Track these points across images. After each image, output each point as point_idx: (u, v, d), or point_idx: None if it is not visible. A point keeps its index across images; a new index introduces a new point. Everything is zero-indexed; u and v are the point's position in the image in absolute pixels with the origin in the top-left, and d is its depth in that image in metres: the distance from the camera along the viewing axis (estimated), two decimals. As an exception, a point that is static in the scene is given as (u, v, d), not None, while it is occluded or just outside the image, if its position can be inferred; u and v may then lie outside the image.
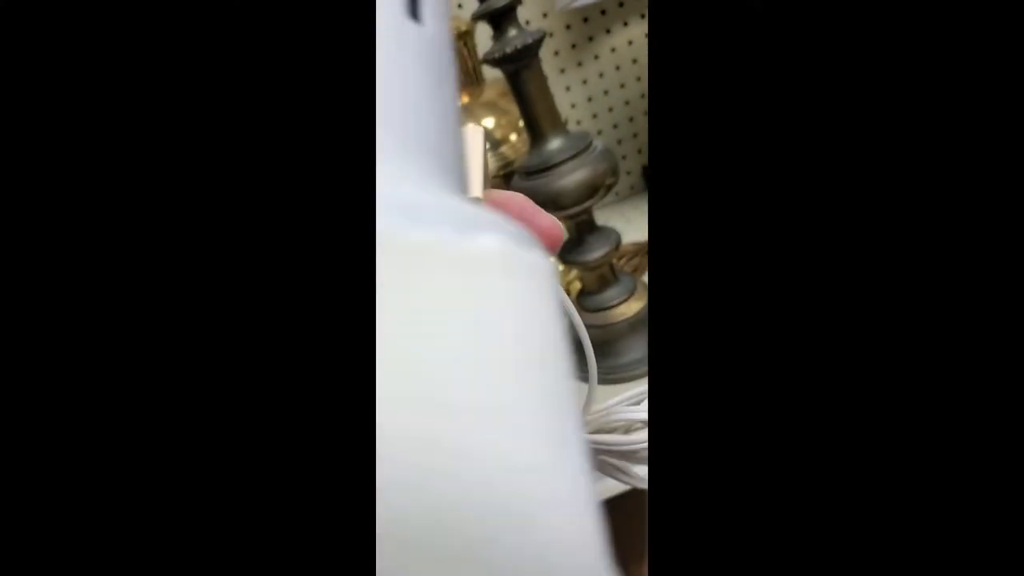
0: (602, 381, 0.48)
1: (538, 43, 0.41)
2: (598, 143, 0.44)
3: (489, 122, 0.54)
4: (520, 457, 0.09)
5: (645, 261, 0.62)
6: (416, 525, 0.08)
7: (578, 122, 0.78)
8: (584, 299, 0.50)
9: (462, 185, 0.13)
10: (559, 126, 0.44)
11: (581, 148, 0.43)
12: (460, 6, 0.70)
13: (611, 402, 0.30)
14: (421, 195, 0.11)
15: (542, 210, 0.21)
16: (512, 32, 0.40)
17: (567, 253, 0.48)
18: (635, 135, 0.79)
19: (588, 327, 0.50)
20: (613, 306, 0.48)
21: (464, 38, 0.54)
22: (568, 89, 0.76)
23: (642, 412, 0.29)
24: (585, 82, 0.77)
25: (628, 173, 0.80)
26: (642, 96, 0.78)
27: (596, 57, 0.76)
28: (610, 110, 0.78)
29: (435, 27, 0.13)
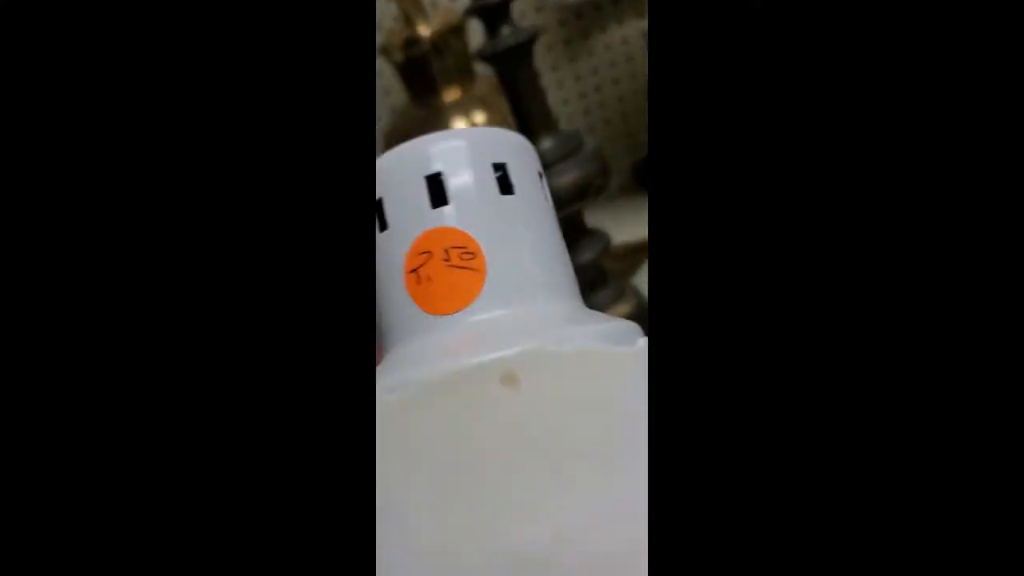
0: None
1: (531, 41, 0.40)
2: (589, 144, 0.44)
3: (480, 118, 0.54)
4: None
5: (635, 263, 0.61)
6: None
7: (569, 118, 0.77)
8: (572, 301, 0.49)
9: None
10: (550, 126, 0.43)
11: (572, 149, 0.43)
12: (433, 3, 0.69)
13: None
14: (581, 317, 0.16)
15: None
16: (505, 30, 0.40)
17: (556, 254, 0.47)
18: (627, 134, 0.79)
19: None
20: (600, 310, 0.48)
21: (455, 34, 0.53)
22: (560, 85, 0.75)
23: None
24: (578, 79, 0.76)
25: (618, 172, 0.79)
26: (635, 93, 0.77)
27: (590, 54, 0.75)
28: (602, 107, 0.78)
29: (526, 193, 0.16)
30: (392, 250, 0.15)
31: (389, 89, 0.72)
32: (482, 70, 0.59)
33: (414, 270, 0.15)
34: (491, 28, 0.40)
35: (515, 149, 0.17)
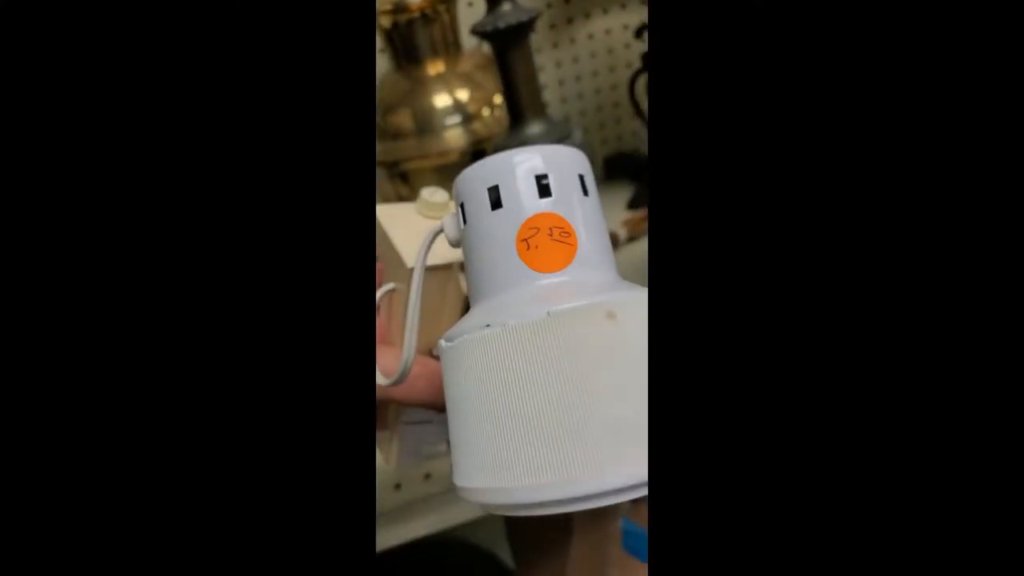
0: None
1: (532, 21, 0.39)
2: (577, 133, 0.44)
3: (463, 95, 0.52)
4: None
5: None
6: None
7: (546, 105, 0.77)
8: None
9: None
10: (540, 110, 0.43)
11: (560, 136, 0.42)
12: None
13: None
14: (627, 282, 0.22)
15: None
16: (506, 7, 0.39)
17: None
18: (602, 125, 0.79)
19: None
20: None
21: (445, 5, 0.51)
22: (541, 70, 0.75)
23: None
24: (559, 65, 0.75)
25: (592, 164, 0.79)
26: (613, 88, 0.77)
27: (572, 41, 0.74)
28: (580, 97, 0.77)
29: (593, 196, 0.22)
30: (506, 224, 0.20)
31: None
32: (468, 45, 0.57)
33: (524, 240, 0.20)
34: (492, 3, 0.39)
35: (586, 164, 0.22)
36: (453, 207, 0.23)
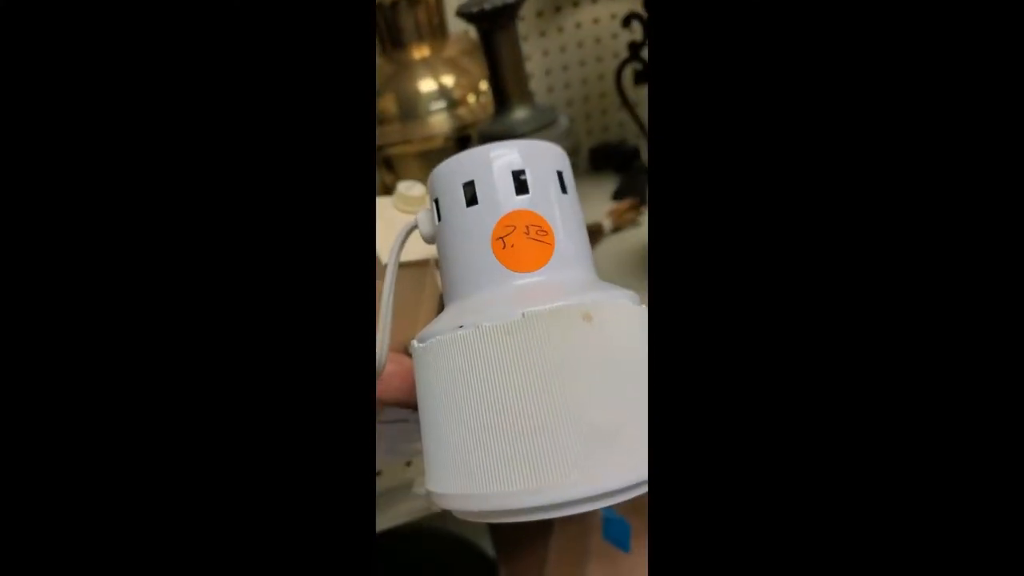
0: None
1: (518, 4, 0.39)
2: (564, 119, 0.43)
3: (449, 80, 0.52)
4: None
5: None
6: None
7: (532, 94, 0.76)
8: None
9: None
10: (526, 95, 0.42)
11: (546, 123, 0.42)
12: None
13: None
14: (606, 283, 0.21)
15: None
16: (492, -12, 0.38)
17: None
18: (588, 116, 0.78)
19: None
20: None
21: (433, -13, 0.51)
22: (528, 58, 0.74)
23: None
24: (546, 53, 0.75)
25: (577, 153, 0.79)
26: (600, 77, 0.77)
27: (560, 30, 0.74)
28: (567, 86, 0.77)
29: (572, 193, 0.21)
30: (481, 220, 0.20)
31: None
32: (454, 31, 0.57)
33: (500, 238, 0.20)
34: (478, -15, 0.38)
35: (566, 161, 0.22)
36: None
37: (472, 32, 0.57)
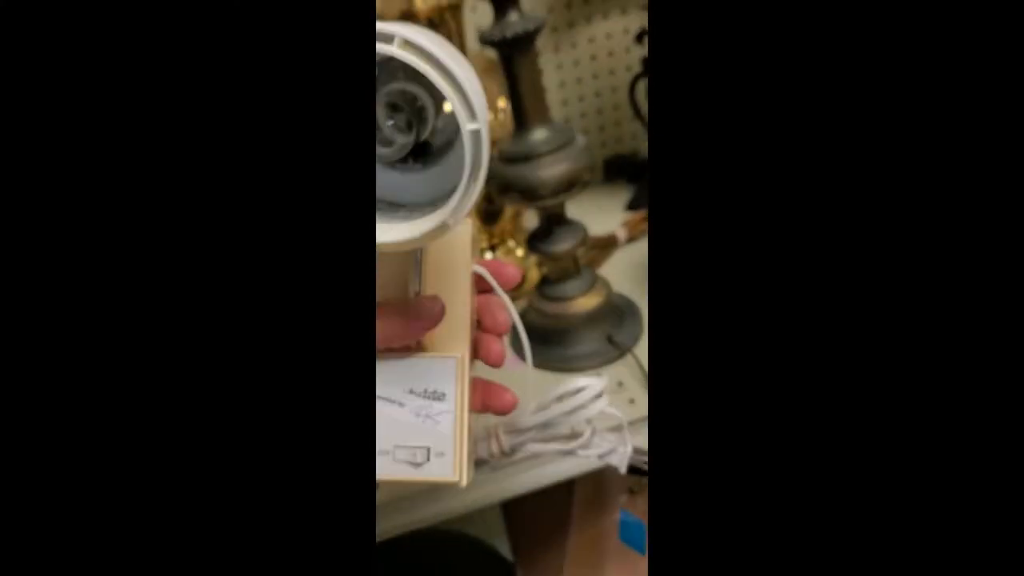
0: (554, 369, 0.50)
1: (537, 30, 0.40)
2: (580, 139, 0.45)
3: (468, 98, 0.54)
4: None
5: (601, 255, 0.63)
6: None
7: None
8: (545, 288, 0.50)
9: None
10: (545, 116, 0.44)
11: (564, 142, 0.44)
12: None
13: (554, 396, 0.31)
14: None
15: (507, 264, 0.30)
16: (513, 16, 0.40)
17: (535, 242, 0.48)
18: (602, 128, 0.80)
19: (545, 316, 0.51)
20: (572, 298, 0.49)
21: (452, 11, 0.53)
22: (542, 72, 0.76)
23: (584, 411, 0.31)
24: (560, 67, 0.77)
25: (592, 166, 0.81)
26: (613, 90, 0.79)
27: (573, 45, 0.76)
28: (580, 99, 0.79)
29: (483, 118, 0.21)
30: None
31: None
32: (472, 49, 0.59)
33: None
34: (499, 12, 0.40)
35: None
36: None
37: (489, 51, 0.59)
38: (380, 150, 0.23)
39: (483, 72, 0.56)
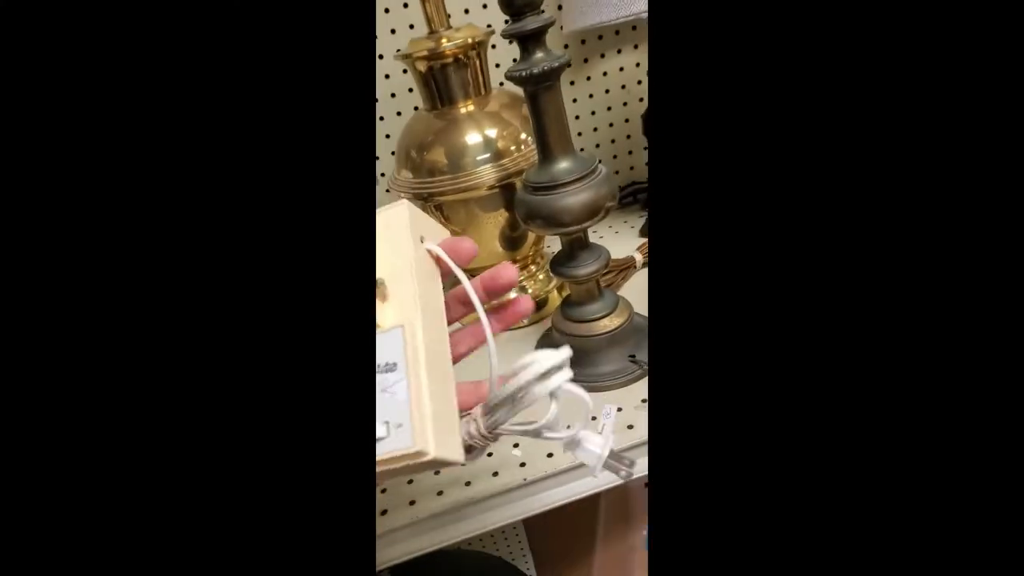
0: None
1: (562, 67, 0.43)
2: (603, 168, 0.48)
3: (492, 132, 0.57)
4: None
5: (620, 278, 0.65)
6: None
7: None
8: (568, 309, 0.53)
9: None
10: (568, 147, 0.47)
11: (587, 171, 0.46)
12: (466, 11, 0.72)
13: (518, 365, 0.28)
14: None
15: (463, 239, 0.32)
16: (539, 54, 0.43)
17: (559, 266, 0.51)
18: (616, 157, 0.83)
19: (570, 336, 0.53)
20: (595, 319, 0.51)
21: (478, 48, 0.56)
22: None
23: (548, 382, 0.28)
24: (575, 101, 0.80)
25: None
26: (627, 121, 0.82)
27: (588, 79, 0.79)
28: (595, 131, 0.82)
29: None
30: None
31: (413, 87, 0.75)
32: (495, 83, 0.62)
33: None
34: (525, 51, 0.43)
35: None
36: None
37: (509, 86, 0.62)
38: None
39: (504, 107, 0.59)
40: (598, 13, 0.64)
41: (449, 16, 0.56)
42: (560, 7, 0.71)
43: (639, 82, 0.80)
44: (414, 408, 0.25)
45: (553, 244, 0.69)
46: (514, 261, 0.64)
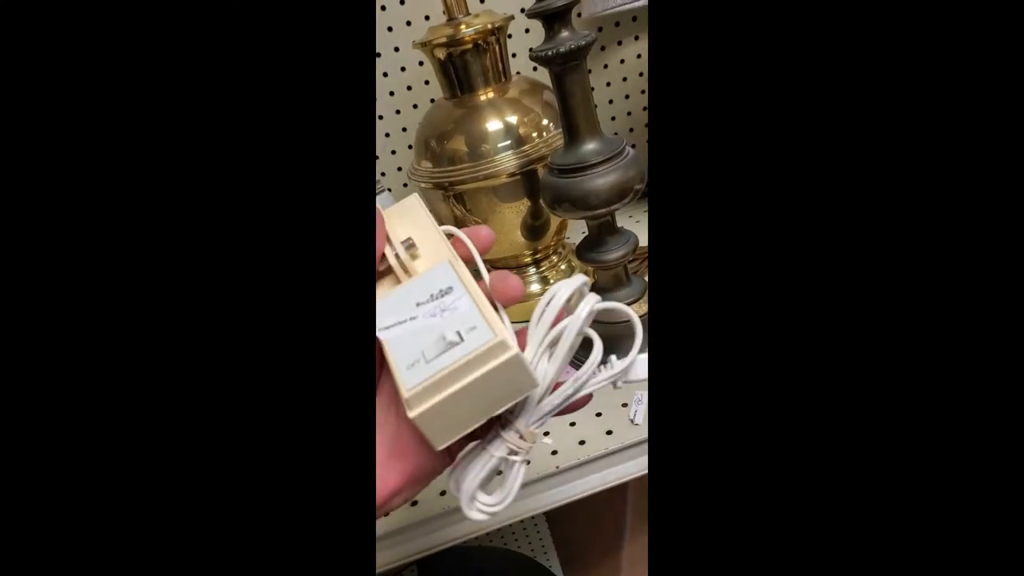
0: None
1: (589, 46, 0.42)
2: (630, 149, 0.47)
3: (512, 119, 0.56)
4: None
5: (645, 266, 0.64)
6: None
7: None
8: (596, 297, 0.52)
9: None
10: (595, 129, 0.46)
11: (615, 152, 0.45)
12: (482, 0, 0.72)
13: (536, 316, 0.27)
14: None
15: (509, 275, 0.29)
16: (564, 33, 0.42)
17: (586, 251, 0.50)
18: (633, 146, 0.82)
19: (598, 323, 0.52)
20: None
21: (497, 34, 0.55)
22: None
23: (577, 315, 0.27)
24: (592, 89, 0.79)
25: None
26: (644, 109, 0.81)
27: (605, 66, 0.78)
28: (612, 119, 0.81)
29: None
30: None
31: (430, 78, 0.74)
32: (516, 70, 0.61)
33: None
34: (550, 30, 0.42)
35: None
36: None
37: (528, 74, 0.61)
38: None
39: (524, 94, 0.58)
40: (617, -3, 0.63)
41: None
42: (576, -6, 0.70)
43: (656, 70, 0.79)
44: (484, 312, 0.24)
45: (574, 235, 0.68)
46: (536, 251, 0.63)
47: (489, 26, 0.54)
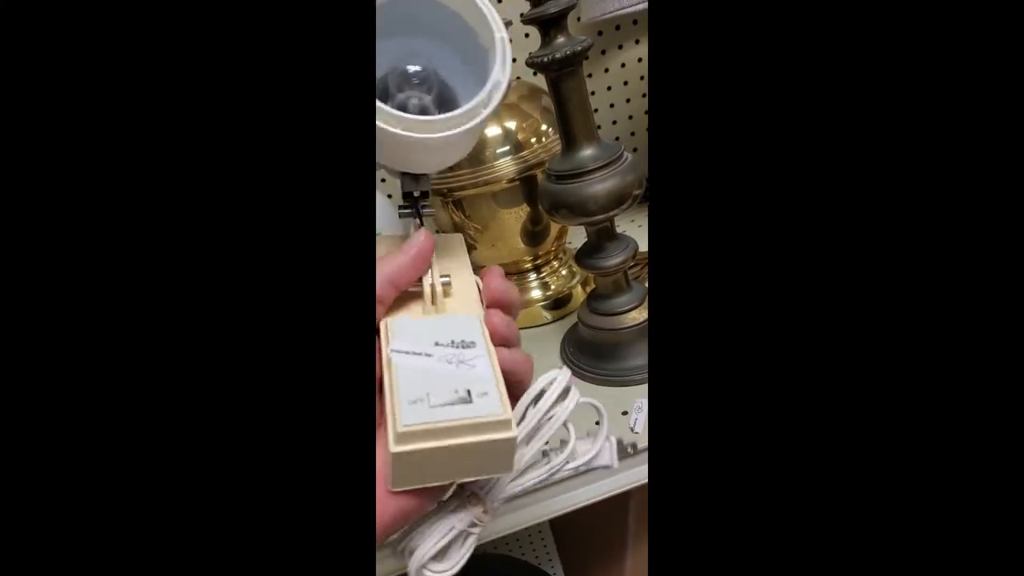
0: (606, 383, 0.50)
1: (584, 51, 0.42)
2: (628, 154, 0.46)
3: (511, 124, 0.55)
4: None
5: (645, 271, 0.64)
6: None
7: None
8: (596, 302, 0.51)
9: None
10: (592, 134, 0.45)
11: (612, 158, 0.45)
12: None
13: (525, 404, 0.28)
14: None
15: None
16: (560, 39, 0.42)
17: (585, 257, 0.49)
18: (635, 149, 0.82)
19: (598, 330, 0.52)
20: (623, 312, 0.50)
21: (495, 39, 0.55)
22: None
23: (561, 408, 0.29)
24: (593, 93, 0.78)
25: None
26: (645, 113, 0.80)
27: (606, 70, 0.78)
28: (614, 123, 0.80)
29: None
30: None
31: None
32: (515, 75, 0.61)
33: None
34: (546, 36, 0.42)
35: None
36: None
37: (527, 79, 0.61)
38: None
39: (523, 99, 0.58)
40: (618, 0, 0.63)
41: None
42: (576, -2, 0.70)
43: (658, 73, 0.79)
44: (499, 383, 0.24)
45: (575, 241, 0.67)
46: (536, 257, 0.63)
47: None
